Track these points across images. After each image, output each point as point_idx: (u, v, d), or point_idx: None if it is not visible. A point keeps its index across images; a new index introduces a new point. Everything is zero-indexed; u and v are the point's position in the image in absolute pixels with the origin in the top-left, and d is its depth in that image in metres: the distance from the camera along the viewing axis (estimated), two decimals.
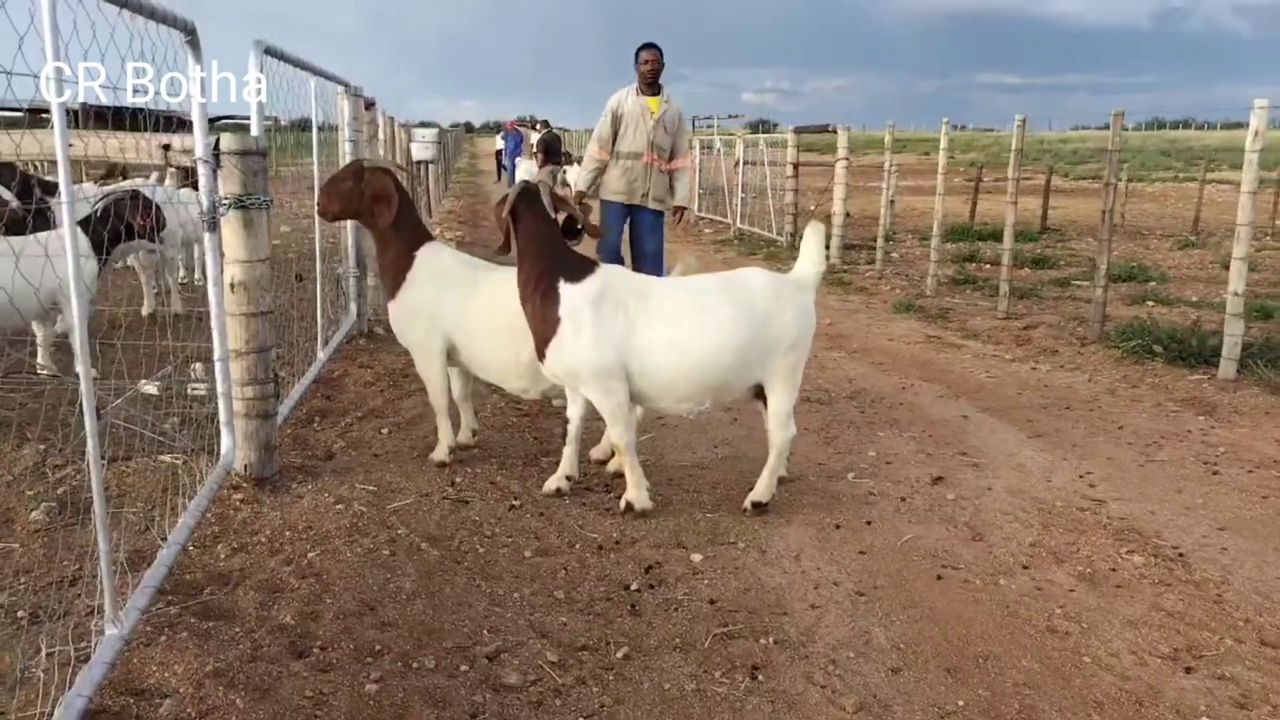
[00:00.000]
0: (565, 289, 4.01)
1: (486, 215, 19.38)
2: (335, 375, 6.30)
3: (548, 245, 4.13)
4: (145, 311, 7.73)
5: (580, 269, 4.07)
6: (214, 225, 3.98)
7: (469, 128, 35.08)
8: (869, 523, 4.20)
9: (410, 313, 4.61)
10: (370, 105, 8.23)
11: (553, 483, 4.40)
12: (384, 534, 3.82)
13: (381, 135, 9.94)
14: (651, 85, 6.98)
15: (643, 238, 7.10)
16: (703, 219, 18.57)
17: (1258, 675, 3.02)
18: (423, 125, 14.01)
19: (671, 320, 3.97)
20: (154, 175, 8.75)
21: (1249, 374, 6.53)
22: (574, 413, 4.33)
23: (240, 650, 2.91)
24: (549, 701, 2.81)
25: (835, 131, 12.96)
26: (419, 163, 13.42)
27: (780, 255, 13.67)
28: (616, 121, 6.99)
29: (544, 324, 4.03)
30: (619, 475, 4.59)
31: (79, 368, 2.74)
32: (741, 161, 16.72)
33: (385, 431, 5.16)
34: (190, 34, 3.75)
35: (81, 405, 2.66)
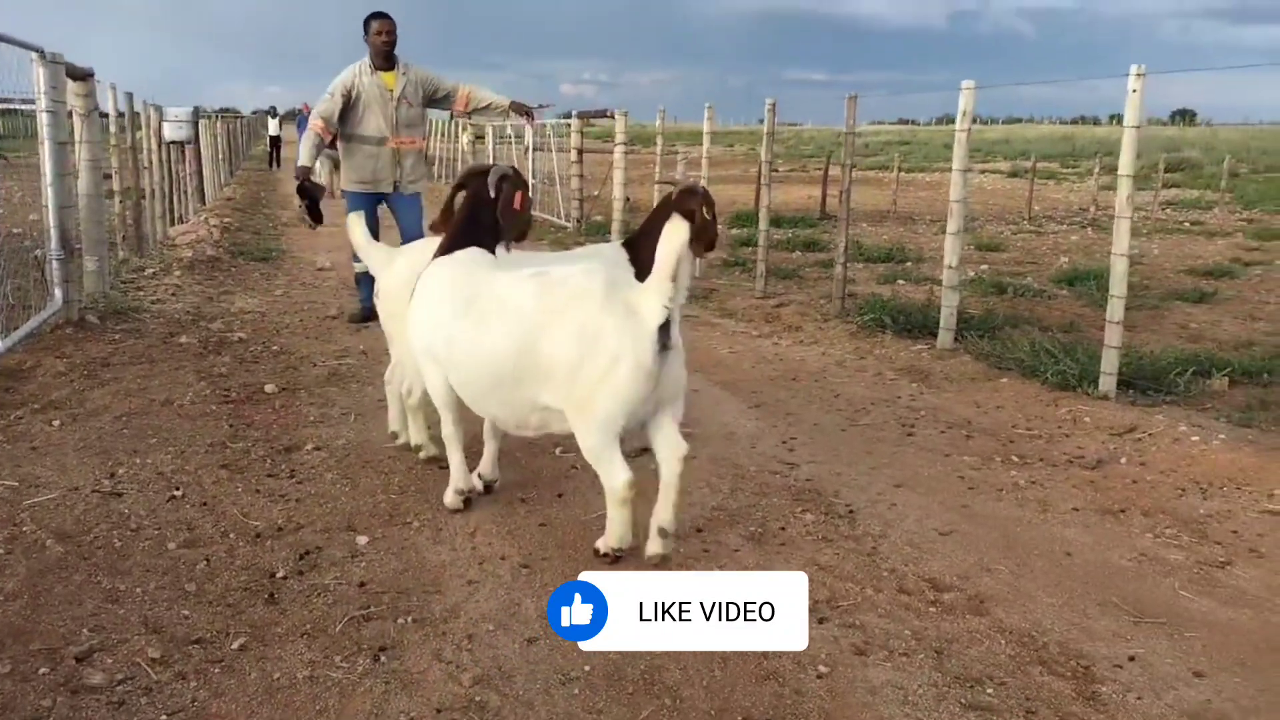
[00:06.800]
0: (434, 262, 3.81)
1: (268, 202, 18.46)
2: (26, 366, 5.73)
3: (463, 226, 3.87)
4: None
5: (456, 248, 3.79)
6: None
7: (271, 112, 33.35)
8: (560, 495, 4.12)
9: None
10: (85, 76, 7.57)
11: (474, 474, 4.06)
12: (5, 531, 3.45)
13: (112, 111, 9.21)
14: (387, 59, 6.66)
15: (404, 227, 6.75)
16: None
17: (885, 622, 3.11)
18: (180, 106, 13.07)
19: (471, 313, 3.50)
20: None
21: (965, 344, 6.90)
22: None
23: None
24: (133, 701, 2.57)
25: (613, 117, 12.94)
26: (172, 143, 12.51)
27: (566, 241, 13.54)
28: (350, 102, 6.62)
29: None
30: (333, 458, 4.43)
31: None
32: (531, 148, 16.54)
33: (56, 424, 4.71)
34: None
35: None
